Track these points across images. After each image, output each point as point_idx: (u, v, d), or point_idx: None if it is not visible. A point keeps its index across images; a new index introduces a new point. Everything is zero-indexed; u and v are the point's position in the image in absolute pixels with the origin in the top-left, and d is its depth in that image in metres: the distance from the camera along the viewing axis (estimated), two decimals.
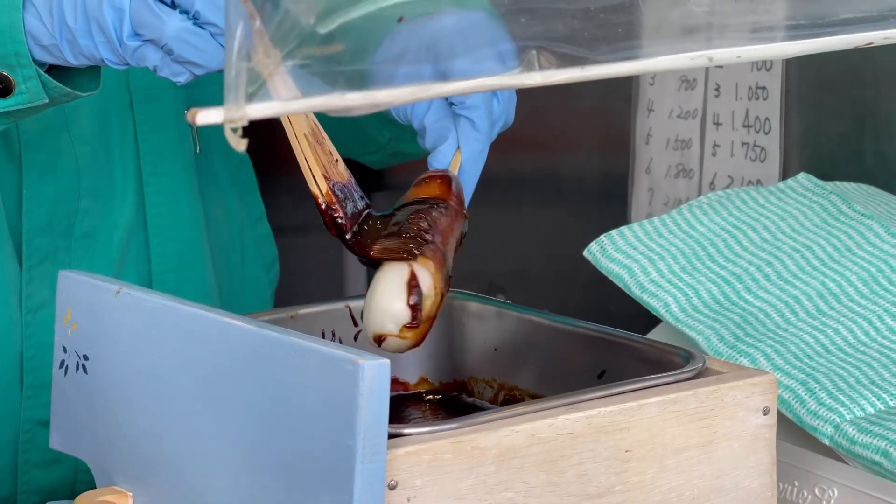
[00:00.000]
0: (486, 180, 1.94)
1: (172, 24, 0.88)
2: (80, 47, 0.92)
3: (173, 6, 0.89)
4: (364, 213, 0.95)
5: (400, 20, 0.75)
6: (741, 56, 0.74)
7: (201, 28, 0.88)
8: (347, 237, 0.93)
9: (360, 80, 0.65)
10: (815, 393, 0.99)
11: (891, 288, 1.09)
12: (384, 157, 1.23)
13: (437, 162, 0.98)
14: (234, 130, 0.62)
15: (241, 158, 1.25)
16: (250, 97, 0.61)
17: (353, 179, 0.94)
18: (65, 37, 0.92)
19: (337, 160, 0.92)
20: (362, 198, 0.95)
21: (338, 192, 0.93)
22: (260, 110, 0.62)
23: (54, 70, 0.97)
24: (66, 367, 0.92)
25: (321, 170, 0.92)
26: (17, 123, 1.10)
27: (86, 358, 0.91)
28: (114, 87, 1.14)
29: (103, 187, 1.14)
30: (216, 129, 1.21)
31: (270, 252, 1.28)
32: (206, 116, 0.61)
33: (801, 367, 1.02)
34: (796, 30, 0.76)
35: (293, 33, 0.63)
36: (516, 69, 0.68)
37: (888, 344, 1.05)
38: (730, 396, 0.88)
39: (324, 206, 0.93)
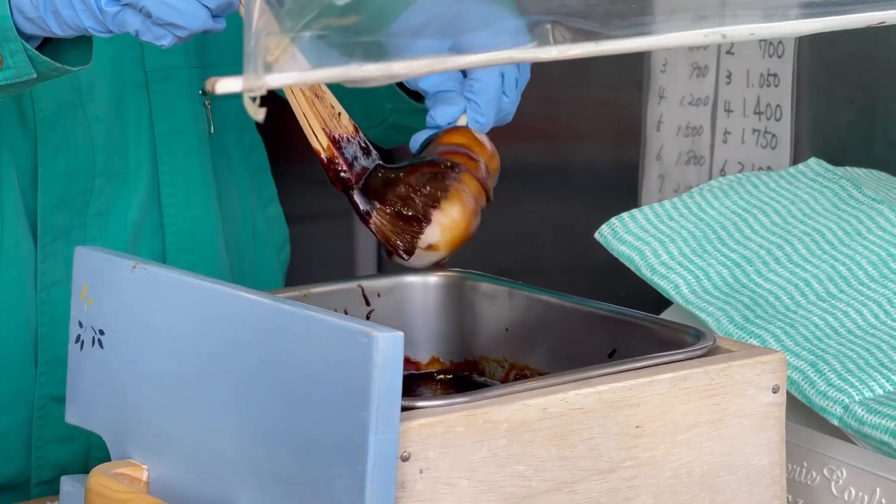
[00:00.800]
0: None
1: None
2: (62, 17, 0.92)
3: None
4: (373, 168, 0.91)
5: None
6: (754, 33, 0.74)
7: None
8: (353, 192, 0.91)
9: (377, 52, 0.66)
10: (824, 374, 1.00)
11: None
12: (386, 132, 1.22)
13: (441, 118, 0.96)
14: (253, 100, 0.63)
15: (254, 140, 1.25)
16: (269, 67, 0.62)
17: (360, 134, 0.90)
18: (48, 7, 0.92)
19: (339, 113, 0.88)
20: (369, 151, 0.92)
21: (342, 145, 0.89)
22: (279, 80, 0.62)
23: (48, 44, 0.97)
24: (82, 341, 0.93)
25: (320, 123, 0.88)
26: (32, 102, 1.11)
27: (101, 333, 0.92)
28: (129, 67, 1.14)
29: (118, 166, 1.14)
30: (229, 110, 1.24)
31: (282, 233, 1.28)
32: (225, 85, 0.62)
33: (810, 348, 1.03)
34: (809, 8, 0.77)
35: (312, 4, 0.64)
36: (531, 43, 0.69)
37: None
38: (740, 374, 0.88)
39: (326, 161, 0.90)
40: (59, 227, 1.13)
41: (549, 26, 0.70)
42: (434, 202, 0.92)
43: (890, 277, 1.09)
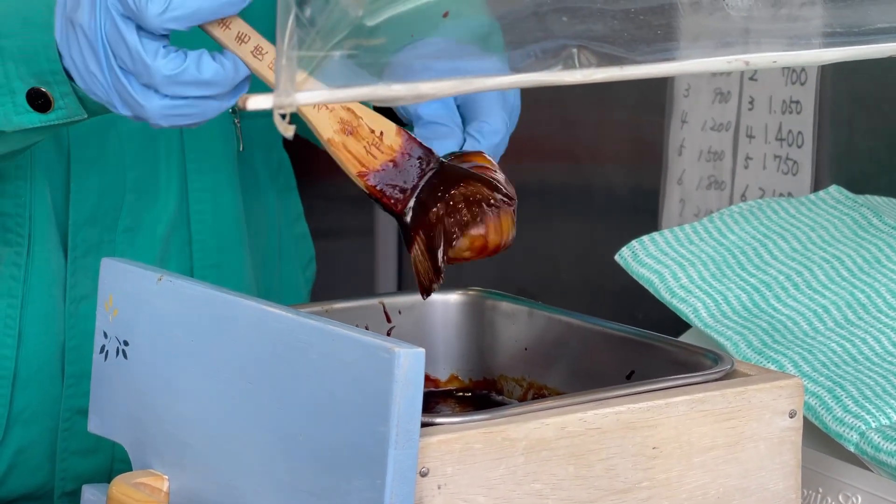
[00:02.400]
0: (517, 188, 1.95)
1: (151, 106, 0.87)
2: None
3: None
4: (427, 179, 0.88)
5: (445, 15, 0.77)
6: (777, 61, 0.75)
7: (182, 99, 0.87)
8: (402, 219, 0.89)
9: (405, 72, 0.67)
10: (841, 400, 1.00)
11: None
12: None
13: (441, 151, 0.94)
14: (283, 117, 0.64)
15: (281, 159, 1.26)
16: (299, 85, 0.63)
17: (407, 144, 0.88)
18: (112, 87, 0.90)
19: (381, 133, 0.86)
20: (425, 157, 0.89)
21: (379, 183, 0.88)
22: (309, 97, 0.63)
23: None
24: (107, 352, 0.94)
25: (355, 168, 0.87)
26: None
27: (126, 343, 0.93)
28: None
29: (148, 183, 1.16)
30: (258, 129, 1.26)
31: (308, 251, 1.30)
32: (256, 102, 0.63)
33: (827, 374, 1.03)
34: (832, 37, 0.78)
35: (342, 24, 0.65)
36: (557, 67, 0.70)
37: None
38: (757, 398, 0.89)
39: (372, 198, 0.89)
40: (89, 242, 1.14)
41: (574, 50, 0.71)
42: (463, 229, 0.92)
43: None
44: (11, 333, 1.12)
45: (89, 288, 1.14)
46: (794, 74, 1.45)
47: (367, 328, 1.06)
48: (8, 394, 1.13)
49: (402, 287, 2.04)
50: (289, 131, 0.64)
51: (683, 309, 1.12)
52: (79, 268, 1.14)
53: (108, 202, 1.14)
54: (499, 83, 0.68)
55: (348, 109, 0.85)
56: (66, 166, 1.13)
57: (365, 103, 0.85)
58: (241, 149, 1.20)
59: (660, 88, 1.61)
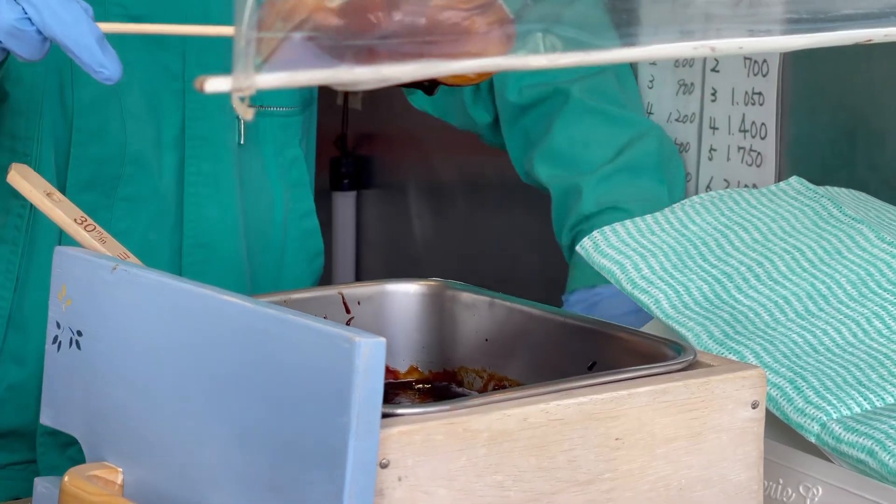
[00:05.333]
0: (476, 179, 1.95)
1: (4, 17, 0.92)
2: None
3: None
4: None
5: None
6: (743, 47, 0.75)
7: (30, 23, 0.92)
8: None
9: (367, 54, 0.66)
10: (802, 391, 1.00)
11: (879, 291, 1.10)
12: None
13: None
14: (242, 100, 0.62)
15: (296, 156, 1.32)
16: (259, 67, 0.62)
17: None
18: None
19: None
20: None
21: None
22: (268, 80, 0.62)
23: None
24: (60, 342, 0.93)
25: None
26: (72, 90, 1.19)
27: (79, 334, 0.91)
28: (169, 75, 1.22)
29: (149, 158, 1.22)
30: (272, 127, 1.33)
31: (315, 245, 1.35)
32: (214, 84, 0.62)
33: (789, 365, 1.03)
34: (798, 24, 0.77)
35: (302, 6, 0.64)
36: (522, 51, 0.69)
37: (876, 346, 1.05)
38: (720, 389, 0.88)
39: None
40: (86, 206, 1.19)
41: (539, 34, 0.70)
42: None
43: (868, 296, 1.09)
44: (11, 277, 1.21)
45: None
46: (755, 66, 1.44)
47: (325, 318, 1.04)
48: (2, 331, 1.21)
49: (359, 278, 2.03)
50: (248, 114, 0.62)
51: (645, 300, 1.11)
52: None
53: (106, 171, 1.22)
54: (463, 66, 0.67)
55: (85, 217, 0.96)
56: (68, 134, 1.21)
57: None
58: (241, 142, 1.26)
59: None
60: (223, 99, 1.25)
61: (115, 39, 1.20)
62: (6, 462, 1.27)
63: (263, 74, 0.62)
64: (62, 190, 1.22)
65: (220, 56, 1.23)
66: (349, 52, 0.65)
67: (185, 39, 1.23)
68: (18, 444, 1.24)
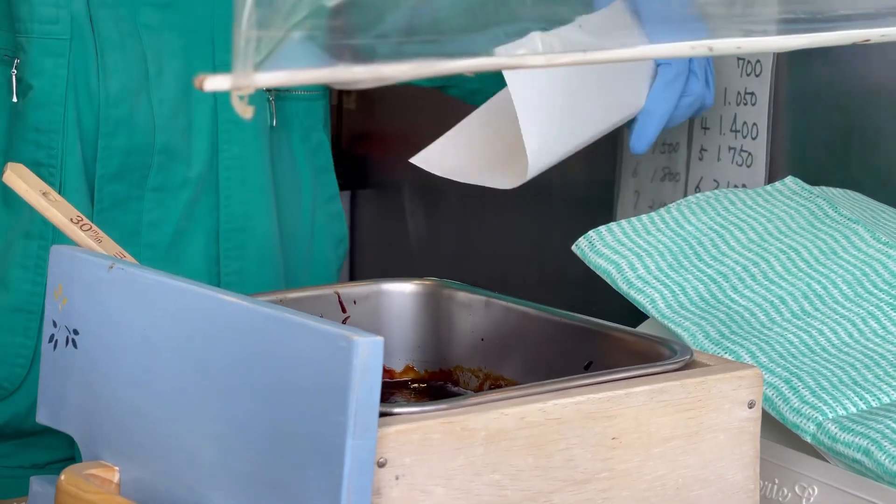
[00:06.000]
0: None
1: None
2: None
3: None
4: None
5: None
6: (741, 47, 0.75)
7: None
8: None
9: (366, 54, 0.66)
10: (798, 391, 1.00)
11: (875, 291, 1.10)
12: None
13: None
14: (241, 98, 0.62)
15: (320, 140, 1.32)
16: (258, 65, 0.62)
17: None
18: None
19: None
20: None
21: None
22: (268, 79, 0.62)
23: None
24: (56, 341, 0.92)
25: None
26: (98, 81, 1.20)
27: (76, 332, 0.91)
28: (199, 61, 1.22)
29: (180, 147, 1.22)
30: (298, 111, 1.34)
31: (340, 230, 1.36)
32: (213, 83, 0.62)
33: (785, 365, 1.03)
34: (795, 24, 0.77)
35: (302, 4, 0.64)
36: (520, 50, 0.69)
37: (871, 346, 1.06)
38: (716, 388, 0.88)
39: None
40: (116, 196, 1.21)
41: (538, 34, 0.70)
42: None
43: (864, 297, 1.10)
44: (41, 272, 1.21)
45: (114, 238, 1.18)
46: (748, 66, 1.44)
47: (321, 317, 1.04)
48: (36, 327, 1.21)
49: (354, 277, 2.03)
50: (247, 113, 0.62)
51: (641, 300, 1.11)
52: (104, 220, 1.20)
53: (135, 161, 1.21)
54: (462, 66, 0.67)
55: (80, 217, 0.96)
56: (96, 124, 1.20)
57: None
58: (273, 124, 1.26)
59: None
60: None
61: (145, 27, 1.20)
62: (46, 461, 1.27)
63: (263, 73, 0.62)
64: (91, 182, 1.21)
65: None
66: (348, 50, 0.65)
67: (214, 24, 1.21)
68: (57, 441, 1.24)
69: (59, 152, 1.20)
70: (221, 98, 1.24)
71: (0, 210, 1.23)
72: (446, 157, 1.17)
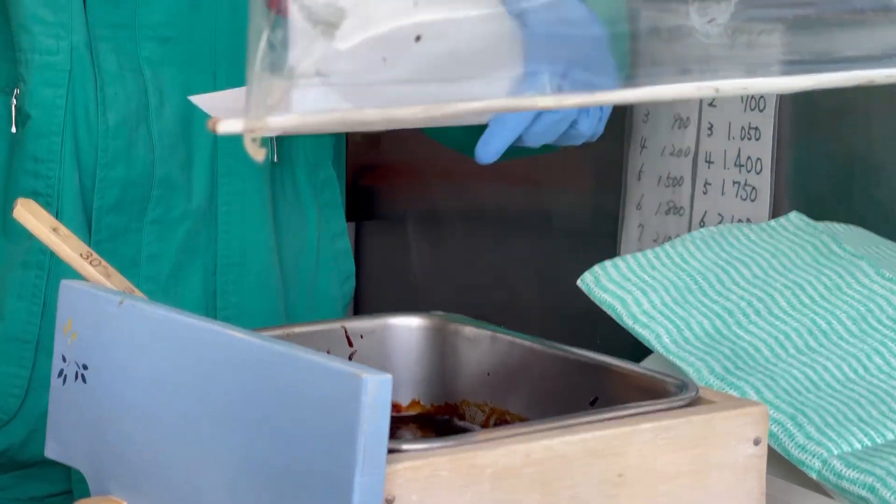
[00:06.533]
0: (476, 212, 1.95)
1: None
2: None
3: None
4: None
5: (417, 39, 0.77)
6: (747, 88, 0.76)
7: None
8: None
9: (375, 96, 0.66)
10: (803, 427, 1.01)
11: (879, 327, 1.10)
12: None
13: None
14: (254, 140, 0.63)
15: (328, 177, 1.32)
16: (271, 108, 0.62)
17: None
18: None
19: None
20: None
21: None
22: (280, 122, 0.63)
23: None
24: (65, 376, 0.93)
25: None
26: (97, 113, 1.20)
27: (85, 367, 0.92)
28: (200, 92, 1.19)
29: (179, 180, 1.22)
30: (304, 146, 1.32)
31: (347, 267, 1.35)
32: (226, 126, 0.62)
33: (790, 401, 1.03)
34: (800, 65, 0.78)
35: (314, 49, 0.65)
36: (529, 92, 0.70)
37: (876, 382, 1.06)
38: (722, 426, 0.89)
39: None
40: (114, 228, 1.21)
41: (546, 76, 0.70)
42: None
43: (869, 332, 1.10)
44: (38, 302, 1.20)
45: None
46: (752, 101, 1.45)
47: (328, 352, 1.05)
48: (31, 357, 1.21)
49: (358, 308, 2.03)
50: (259, 155, 0.63)
51: (646, 334, 1.12)
52: (101, 251, 1.19)
53: (134, 193, 1.21)
54: (471, 108, 0.68)
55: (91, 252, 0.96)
56: (95, 155, 1.20)
57: None
58: (274, 160, 1.26)
59: (619, 113, 1.61)
60: None
61: (146, 60, 1.21)
62: (44, 493, 1.26)
63: (275, 116, 0.63)
64: (88, 213, 1.21)
65: None
66: (359, 94, 0.66)
67: (215, 59, 1.22)
68: (55, 474, 1.24)
69: (57, 182, 1.20)
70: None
71: None
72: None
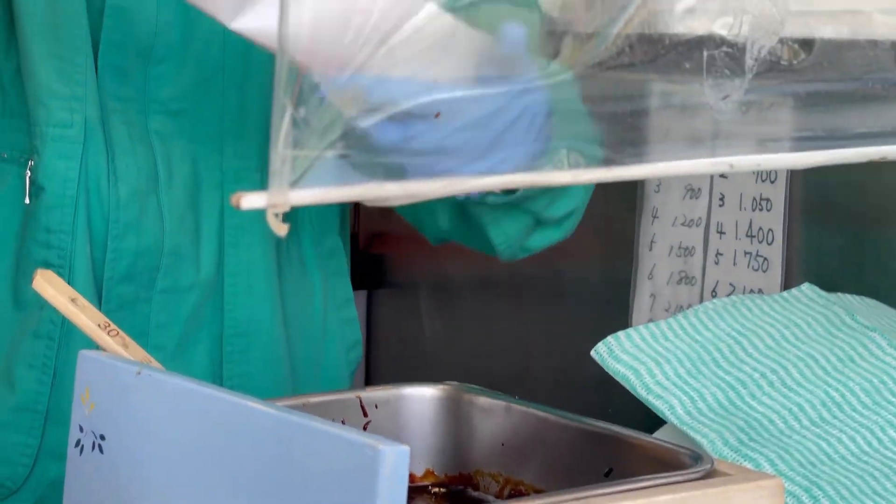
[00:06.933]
0: (488, 281, 1.96)
1: None
2: None
3: None
4: None
5: (437, 116, 0.78)
6: (761, 164, 0.77)
7: None
8: None
9: (397, 172, 0.67)
10: (818, 500, 1.01)
11: (892, 399, 1.11)
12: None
13: None
14: (276, 215, 0.64)
15: (334, 246, 1.33)
16: (293, 184, 0.63)
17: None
18: None
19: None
20: None
21: None
22: (303, 197, 0.64)
23: None
24: (82, 446, 0.93)
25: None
26: (108, 185, 1.21)
27: (102, 438, 0.92)
28: (208, 166, 1.24)
29: (187, 250, 1.23)
30: (310, 216, 1.34)
31: (353, 335, 1.35)
32: (250, 201, 0.63)
33: (804, 473, 1.03)
34: (813, 141, 0.79)
35: (336, 125, 0.66)
36: (547, 167, 0.71)
37: (890, 454, 1.06)
38: (738, 498, 0.89)
39: None
40: (124, 297, 1.21)
41: (564, 151, 0.71)
42: None
43: (882, 405, 1.10)
44: (48, 372, 1.21)
45: None
46: (764, 172, 1.46)
47: (343, 422, 1.05)
48: (40, 426, 1.21)
49: (370, 376, 2.03)
50: (282, 230, 0.64)
51: (660, 405, 1.12)
52: (111, 321, 1.20)
53: (144, 263, 1.22)
54: (490, 183, 0.69)
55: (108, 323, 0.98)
56: (105, 226, 1.21)
57: None
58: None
59: (631, 183, 1.63)
60: (259, 188, 1.26)
61: (155, 133, 1.22)
62: None
63: (298, 191, 0.64)
64: (99, 283, 1.22)
65: (257, 145, 1.24)
66: (380, 169, 0.67)
67: (223, 133, 1.23)
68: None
69: (69, 253, 1.21)
70: (228, 204, 1.24)
71: (10, 310, 1.24)
72: None
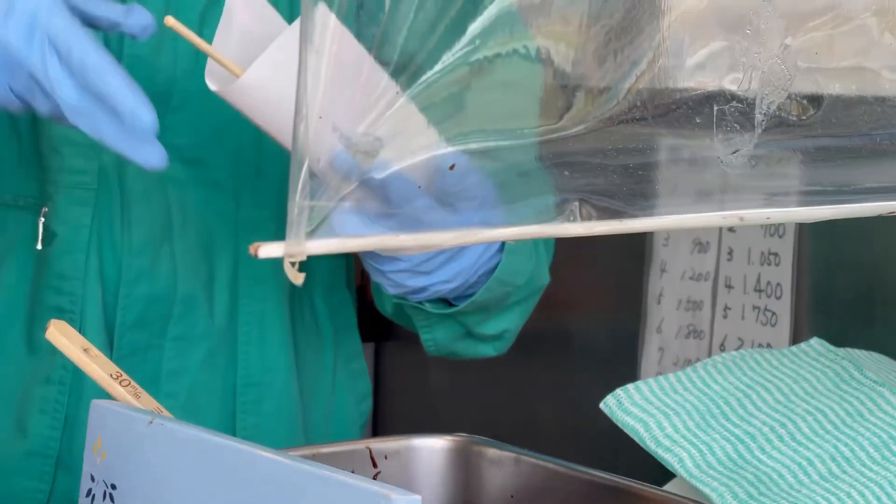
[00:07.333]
0: None
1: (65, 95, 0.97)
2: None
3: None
4: None
5: (451, 168, 0.79)
6: (771, 217, 0.77)
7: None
8: None
9: (410, 223, 0.68)
10: None
11: None
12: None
13: None
14: (293, 265, 0.65)
15: (343, 298, 1.33)
16: (310, 234, 0.64)
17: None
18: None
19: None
20: None
21: None
22: (319, 247, 0.64)
23: None
24: (94, 495, 0.93)
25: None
26: (122, 231, 1.21)
27: (114, 487, 0.92)
28: (223, 217, 1.24)
29: (200, 298, 1.23)
30: (320, 268, 1.33)
31: (364, 386, 1.35)
32: (267, 250, 0.64)
33: None
34: (822, 195, 0.80)
35: (352, 176, 0.67)
36: (559, 219, 0.71)
37: None
38: None
39: None
40: (136, 344, 1.21)
41: (576, 204, 0.72)
42: None
43: (891, 460, 1.10)
44: (59, 418, 1.21)
45: None
46: (772, 227, 1.47)
47: (353, 472, 1.05)
48: (51, 472, 1.21)
49: (378, 428, 2.03)
50: (299, 279, 0.65)
51: (669, 459, 1.12)
52: (123, 367, 1.21)
53: (156, 310, 1.22)
54: (502, 234, 0.69)
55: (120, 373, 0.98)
56: (118, 273, 1.21)
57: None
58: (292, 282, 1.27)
59: (640, 237, 1.63)
60: (273, 239, 1.27)
61: (170, 181, 1.23)
62: None
63: (314, 241, 0.65)
64: (111, 329, 1.22)
65: (271, 196, 1.24)
66: (394, 219, 0.68)
67: (237, 182, 1.24)
68: None
69: (80, 299, 1.21)
70: (242, 253, 1.25)
71: (23, 355, 1.24)
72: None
